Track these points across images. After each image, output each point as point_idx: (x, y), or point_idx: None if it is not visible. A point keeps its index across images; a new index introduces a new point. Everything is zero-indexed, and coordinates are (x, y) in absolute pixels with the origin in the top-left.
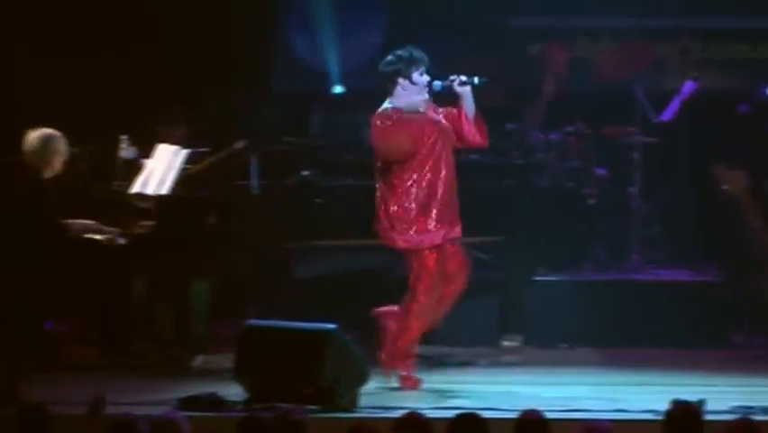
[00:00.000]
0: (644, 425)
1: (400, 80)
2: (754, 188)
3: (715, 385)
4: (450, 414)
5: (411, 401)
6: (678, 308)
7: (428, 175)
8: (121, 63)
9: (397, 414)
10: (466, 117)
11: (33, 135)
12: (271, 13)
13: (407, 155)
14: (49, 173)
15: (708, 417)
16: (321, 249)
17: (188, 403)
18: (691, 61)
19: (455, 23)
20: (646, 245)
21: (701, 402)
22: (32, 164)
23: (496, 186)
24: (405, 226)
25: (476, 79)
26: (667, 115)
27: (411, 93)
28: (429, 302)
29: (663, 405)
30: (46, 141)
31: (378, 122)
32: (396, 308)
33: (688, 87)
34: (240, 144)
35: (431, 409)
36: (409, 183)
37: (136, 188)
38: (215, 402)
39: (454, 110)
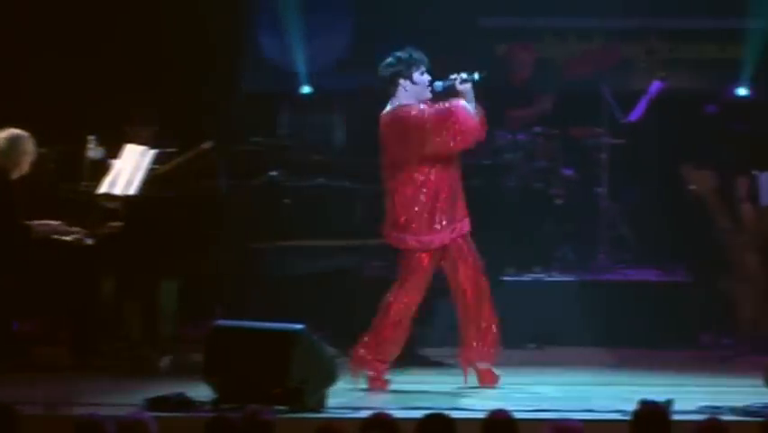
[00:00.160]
0: (612, 425)
1: (401, 81)
2: (722, 189)
3: (683, 385)
4: (418, 414)
5: (379, 402)
6: (646, 308)
7: (435, 174)
8: (89, 63)
9: (365, 414)
10: None
11: (1, 136)
12: (240, 13)
13: (421, 150)
14: (16, 174)
15: (676, 417)
16: (289, 249)
17: (156, 403)
18: (659, 61)
19: (422, 24)
20: (614, 246)
21: (669, 402)
22: (0, 165)
23: (464, 186)
24: (416, 226)
25: (476, 75)
26: (634, 115)
27: (413, 93)
28: (414, 301)
29: (631, 405)
30: (13, 141)
31: (388, 119)
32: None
33: (655, 87)
34: (207, 145)
35: (399, 409)
36: (420, 182)
37: (104, 188)
38: (183, 403)
39: None
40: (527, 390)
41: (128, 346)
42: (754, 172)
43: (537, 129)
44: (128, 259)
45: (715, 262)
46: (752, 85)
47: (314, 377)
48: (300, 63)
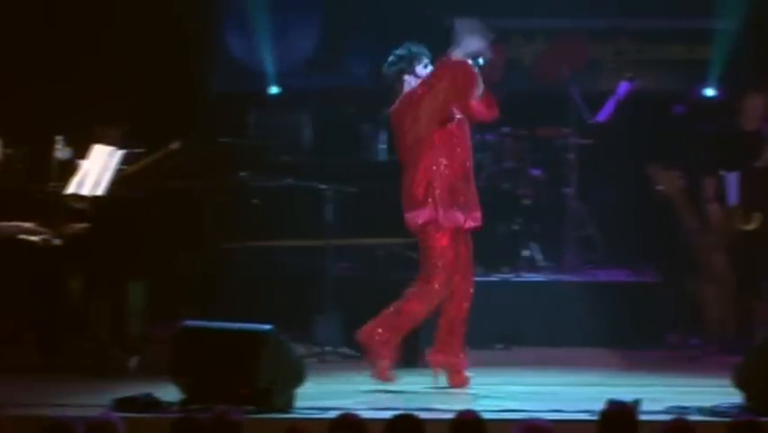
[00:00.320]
0: (580, 425)
1: (406, 77)
2: (690, 189)
3: (651, 385)
4: (386, 415)
5: (347, 402)
6: (614, 308)
7: (448, 156)
8: (56, 64)
9: (333, 415)
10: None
11: None
12: (208, 13)
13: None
14: None
15: (644, 417)
16: (257, 250)
17: (124, 404)
18: (627, 62)
19: (390, 24)
20: (582, 246)
21: (637, 402)
22: None
23: None
24: (433, 201)
25: (480, 60)
26: (602, 115)
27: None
28: (442, 289)
29: (599, 405)
30: None
31: (397, 108)
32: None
33: (623, 87)
34: (175, 145)
35: (367, 409)
36: (437, 159)
37: (72, 188)
38: (151, 403)
39: None
40: (496, 390)
41: (96, 347)
42: (721, 173)
43: (505, 129)
44: (96, 259)
45: (683, 263)
46: (719, 85)
47: (282, 378)
48: (268, 63)
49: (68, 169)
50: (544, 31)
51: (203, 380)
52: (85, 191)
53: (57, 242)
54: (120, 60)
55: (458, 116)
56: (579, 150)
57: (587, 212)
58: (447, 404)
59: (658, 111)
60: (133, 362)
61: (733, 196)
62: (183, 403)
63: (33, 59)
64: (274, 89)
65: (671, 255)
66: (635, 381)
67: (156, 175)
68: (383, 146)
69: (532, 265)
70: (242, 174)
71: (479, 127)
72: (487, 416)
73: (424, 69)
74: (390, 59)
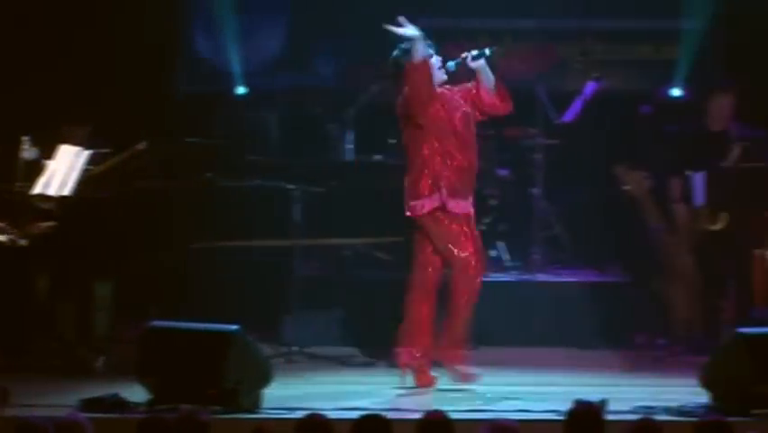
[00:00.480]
0: (547, 425)
1: None
2: (656, 189)
3: (617, 385)
4: (353, 415)
5: (314, 402)
6: (581, 308)
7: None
8: (22, 63)
9: (300, 415)
10: (484, 90)
11: None
12: (175, 13)
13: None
14: None
15: (611, 417)
16: (225, 250)
17: (91, 404)
18: (593, 62)
19: (358, 24)
20: (549, 246)
21: (604, 402)
22: None
23: (397, 186)
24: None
25: (487, 51)
26: (569, 115)
27: None
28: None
29: (566, 405)
30: None
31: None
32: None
33: (590, 87)
34: (142, 145)
35: (333, 410)
36: (434, 149)
37: (38, 188)
38: (118, 403)
39: (471, 85)
40: (463, 390)
41: (62, 347)
42: (687, 173)
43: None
44: (62, 259)
45: (649, 263)
46: (686, 85)
47: (249, 378)
48: (235, 63)
49: (35, 169)
50: (511, 31)
51: (170, 380)
52: (51, 191)
53: (23, 242)
54: (87, 60)
55: (463, 109)
56: (546, 150)
57: (554, 212)
58: (414, 404)
59: (625, 111)
60: (100, 362)
61: (699, 196)
62: (150, 403)
63: None
64: (241, 89)
65: (637, 255)
66: (602, 380)
67: (123, 175)
68: (350, 146)
69: (499, 265)
70: (209, 174)
71: None
72: (454, 416)
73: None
74: (394, 53)
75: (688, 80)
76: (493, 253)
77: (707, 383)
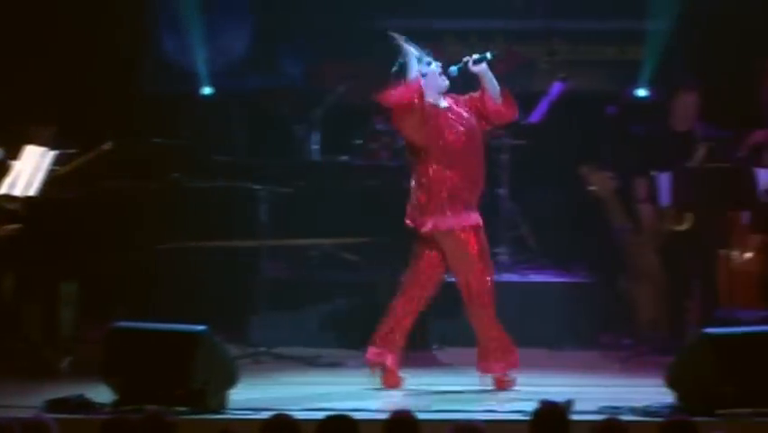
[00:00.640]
0: (512, 425)
1: None
2: (622, 189)
3: (583, 385)
4: (319, 415)
5: (280, 403)
6: (547, 308)
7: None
8: None
9: (266, 415)
10: (489, 98)
11: None
12: (141, 13)
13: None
14: None
15: (576, 417)
16: (191, 250)
17: (56, 405)
18: (559, 63)
19: (322, 25)
20: (515, 246)
21: (569, 403)
22: None
23: (364, 187)
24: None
25: (488, 54)
26: (535, 116)
27: (428, 86)
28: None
29: (532, 405)
30: None
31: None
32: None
33: (556, 88)
34: (107, 146)
35: (300, 410)
36: (440, 173)
37: (3, 189)
38: (83, 404)
39: (476, 94)
40: (430, 390)
41: (28, 347)
42: (653, 173)
43: None
44: (28, 260)
45: (615, 263)
46: (651, 86)
47: (215, 378)
48: (201, 64)
49: (0, 169)
50: (477, 32)
51: (136, 380)
52: (17, 192)
53: None
54: (52, 60)
55: (467, 123)
56: (512, 150)
57: (520, 212)
58: (381, 404)
59: (590, 111)
60: (66, 363)
61: (665, 196)
62: (116, 404)
63: None
64: (207, 90)
65: (603, 256)
66: (568, 381)
67: (88, 176)
68: (316, 147)
69: None
70: (175, 175)
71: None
72: (421, 416)
73: (427, 67)
74: (394, 68)
75: (653, 81)
76: None
77: (672, 383)
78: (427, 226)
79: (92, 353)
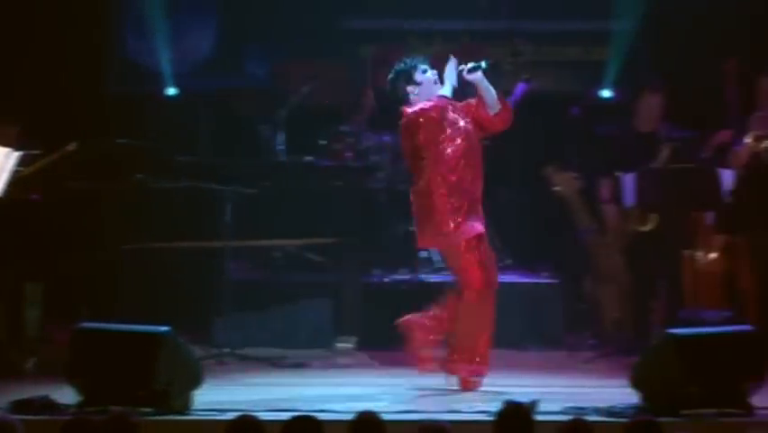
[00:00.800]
0: (477, 426)
1: (409, 89)
2: (586, 190)
3: (548, 386)
4: (284, 416)
5: (245, 404)
6: (511, 308)
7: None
8: None
9: (231, 416)
10: (483, 108)
11: None
12: (105, 13)
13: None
14: None
15: (541, 417)
16: (155, 251)
17: (21, 406)
18: (523, 63)
19: (287, 24)
20: None
21: (534, 403)
22: None
23: (329, 188)
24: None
25: (483, 63)
26: None
27: (424, 94)
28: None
29: (496, 406)
30: None
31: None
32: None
33: (520, 88)
34: (72, 146)
35: (265, 411)
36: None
37: None
38: (47, 405)
39: (473, 101)
40: (395, 391)
41: None
42: (617, 174)
43: None
44: None
45: (579, 264)
46: (616, 87)
47: (180, 379)
48: (165, 64)
49: None
50: (442, 32)
51: (100, 381)
52: None
53: None
54: (16, 60)
55: (465, 132)
56: None
57: (484, 213)
58: (347, 405)
59: (555, 112)
60: (31, 363)
61: (629, 197)
62: (80, 405)
63: None
64: (171, 90)
65: (568, 256)
66: (533, 381)
67: (53, 176)
68: (281, 147)
69: (430, 266)
70: (139, 175)
71: (376, 129)
72: (386, 417)
73: (423, 75)
74: (389, 77)
75: (617, 81)
76: (424, 254)
77: (637, 384)
78: (427, 242)
79: (57, 353)
